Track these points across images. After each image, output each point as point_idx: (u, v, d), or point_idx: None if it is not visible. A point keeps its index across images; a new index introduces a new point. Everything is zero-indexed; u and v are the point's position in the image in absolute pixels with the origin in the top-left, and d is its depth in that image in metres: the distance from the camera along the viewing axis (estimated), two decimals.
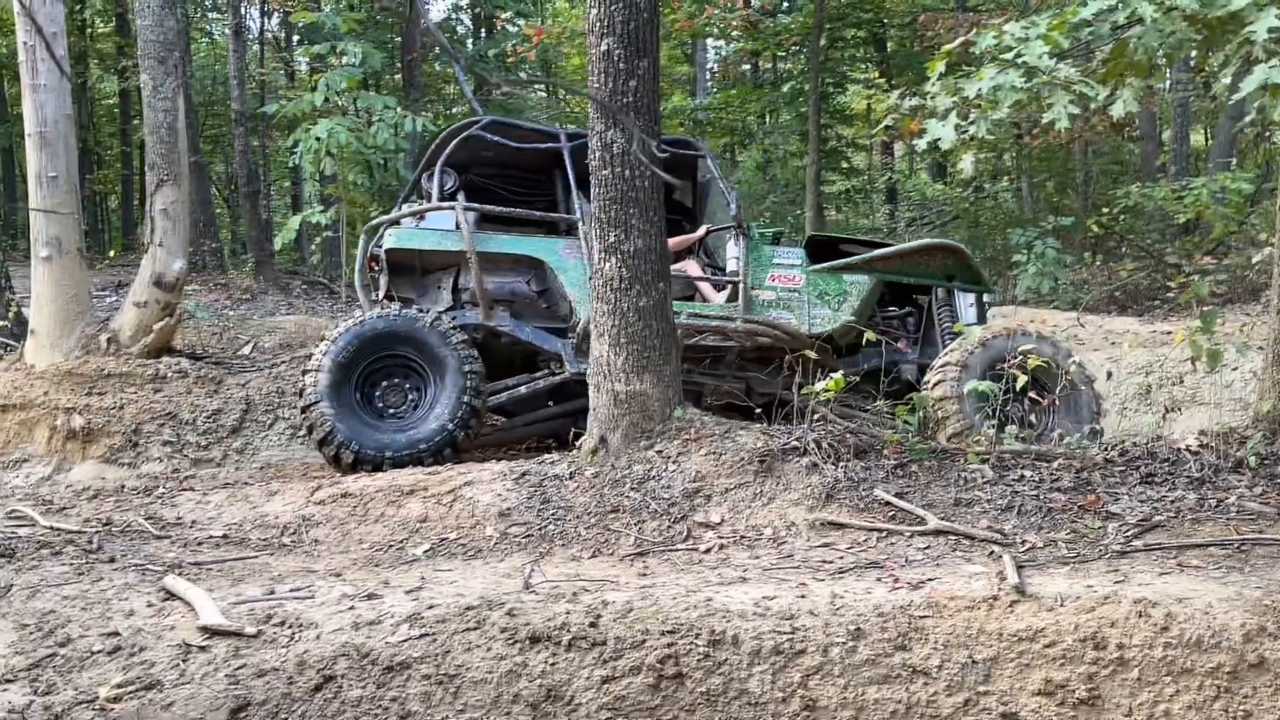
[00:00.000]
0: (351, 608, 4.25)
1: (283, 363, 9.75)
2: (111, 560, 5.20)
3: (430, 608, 4.19)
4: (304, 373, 7.47)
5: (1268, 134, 15.56)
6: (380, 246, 8.13)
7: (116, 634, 3.98)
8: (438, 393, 7.51)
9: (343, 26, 10.24)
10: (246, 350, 10.57)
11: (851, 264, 8.55)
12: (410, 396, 7.63)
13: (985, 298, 8.85)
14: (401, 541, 5.69)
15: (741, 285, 8.21)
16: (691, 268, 8.59)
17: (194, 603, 4.27)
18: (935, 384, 7.34)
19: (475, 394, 7.47)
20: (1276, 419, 6.02)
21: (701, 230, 8.83)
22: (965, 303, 8.69)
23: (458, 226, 7.90)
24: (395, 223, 8.10)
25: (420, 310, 7.71)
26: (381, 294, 8.35)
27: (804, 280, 8.41)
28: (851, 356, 8.45)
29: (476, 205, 8.08)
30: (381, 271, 8.27)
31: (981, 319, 8.64)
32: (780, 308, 8.33)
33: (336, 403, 7.26)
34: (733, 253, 8.43)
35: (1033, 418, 7.11)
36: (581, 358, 7.73)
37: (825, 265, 8.49)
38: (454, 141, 8.19)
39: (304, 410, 7.36)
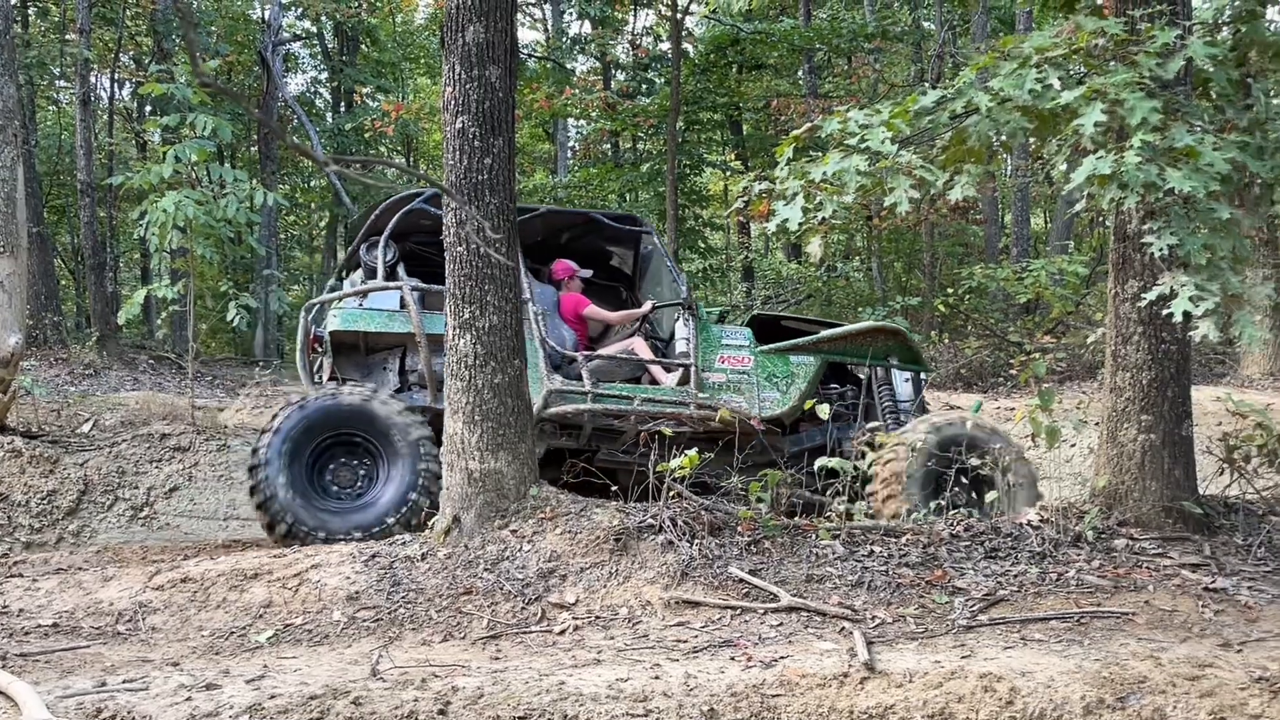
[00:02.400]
0: (189, 699, 4.08)
1: (124, 441, 9.39)
2: None
3: (272, 698, 4.04)
4: (261, 432, 7.40)
5: (1101, 219, 16.33)
6: (324, 328, 8.00)
7: None
8: (387, 482, 7.42)
9: (193, 98, 10.05)
10: (86, 428, 10.16)
11: (799, 345, 8.58)
12: (360, 480, 7.54)
13: (922, 376, 9.02)
14: (244, 628, 5.48)
15: (693, 369, 8.16)
16: (640, 347, 8.53)
17: (17, 698, 4.04)
18: (887, 461, 7.42)
19: (425, 493, 7.35)
20: (1112, 493, 6.24)
21: (647, 306, 8.81)
22: (901, 379, 8.82)
23: (403, 305, 7.79)
24: (328, 303, 7.97)
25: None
26: (326, 376, 8.17)
27: (753, 362, 8.40)
28: (795, 435, 8.48)
29: (423, 285, 7.96)
30: (325, 353, 8.12)
31: (918, 395, 8.80)
32: (730, 390, 8.27)
33: (287, 471, 7.18)
34: (682, 333, 8.38)
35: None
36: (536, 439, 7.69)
37: (773, 347, 8.50)
38: (397, 215, 8.09)
39: (252, 470, 7.26)
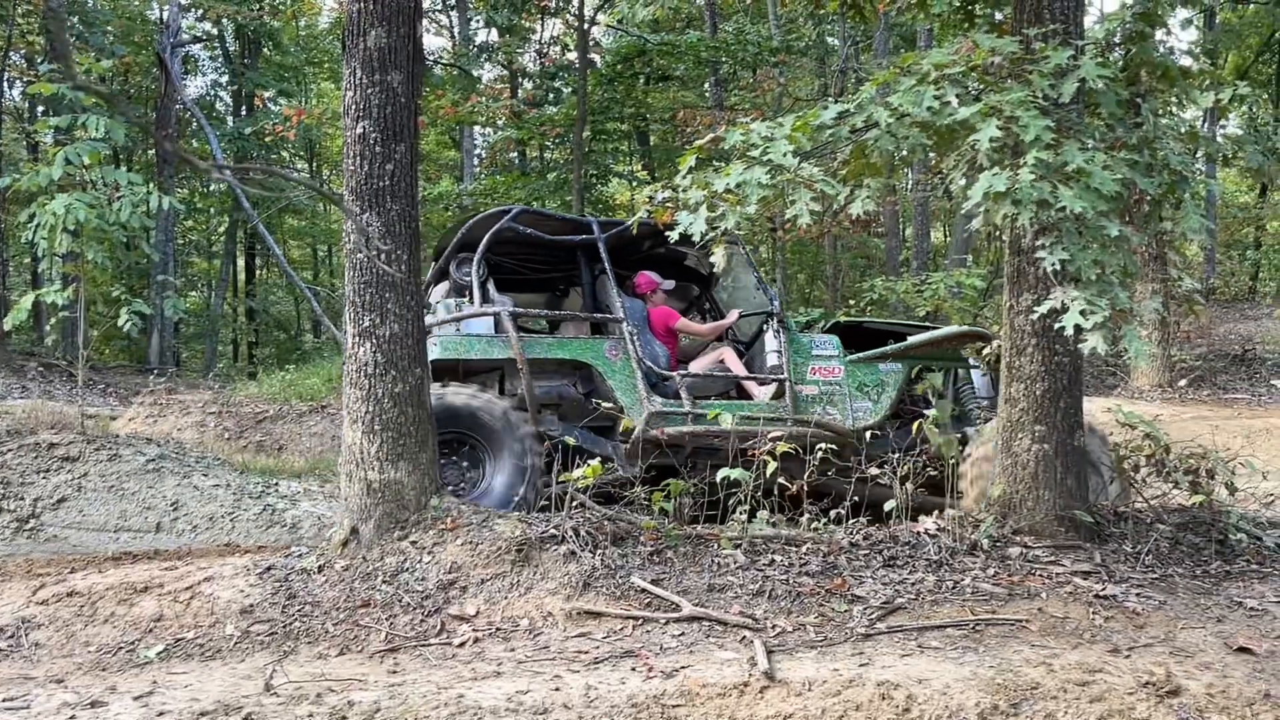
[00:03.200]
0: (73, 717, 3.95)
1: (9, 450, 9.07)
2: None
3: (161, 715, 3.93)
4: None
5: (998, 234, 16.68)
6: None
7: None
8: (493, 479, 7.57)
9: (84, 99, 9.77)
10: None
11: (888, 353, 8.55)
12: (468, 476, 7.64)
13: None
14: (133, 643, 5.32)
15: (788, 385, 8.09)
16: (730, 358, 8.46)
17: None
18: (979, 447, 7.43)
19: (531, 488, 7.45)
20: (1006, 502, 6.35)
21: (733, 315, 8.78)
22: (979, 375, 8.88)
23: (498, 328, 7.83)
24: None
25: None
26: None
27: (843, 372, 8.35)
28: (882, 438, 8.40)
29: (523, 310, 8.09)
30: None
31: (996, 391, 8.79)
32: (823, 403, 8.21)
33: None
34: (772, 345, 8.32)
35: None
36: (632, 460, 7.70)
37: (862, 355, 8.47)
38: (490, 232, 8.12)
39: None
